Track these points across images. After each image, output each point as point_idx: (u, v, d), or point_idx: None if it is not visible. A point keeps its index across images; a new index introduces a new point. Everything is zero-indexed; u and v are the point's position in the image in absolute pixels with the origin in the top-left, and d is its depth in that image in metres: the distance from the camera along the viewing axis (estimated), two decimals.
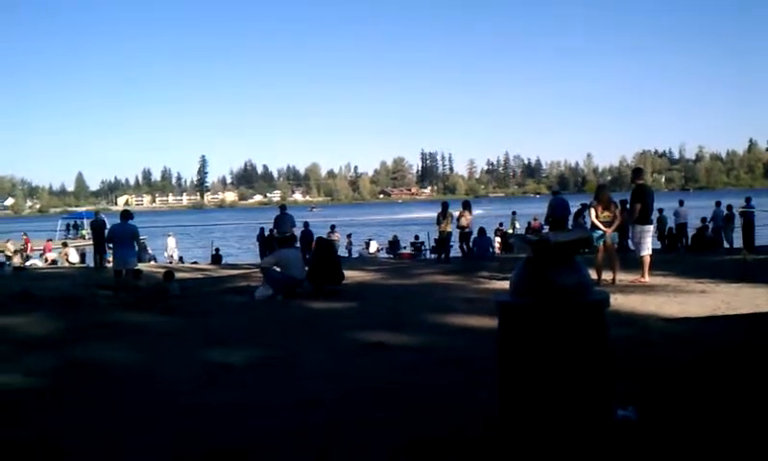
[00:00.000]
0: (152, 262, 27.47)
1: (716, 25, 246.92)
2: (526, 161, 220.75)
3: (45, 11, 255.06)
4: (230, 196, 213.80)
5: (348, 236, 32.81)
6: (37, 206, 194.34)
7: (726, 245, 22.58)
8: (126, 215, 13.65)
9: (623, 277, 11.44)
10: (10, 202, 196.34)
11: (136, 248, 13.99)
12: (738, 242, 21.91)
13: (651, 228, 12.20)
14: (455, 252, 21.15)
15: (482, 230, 20.52)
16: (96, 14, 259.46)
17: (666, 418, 4.12)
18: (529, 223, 28.29)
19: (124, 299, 12.19)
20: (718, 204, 24.31)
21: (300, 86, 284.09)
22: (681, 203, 24.74)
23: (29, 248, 33.97)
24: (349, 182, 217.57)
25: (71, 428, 4.83)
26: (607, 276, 11.33)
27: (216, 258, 29.88)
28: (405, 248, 30.78)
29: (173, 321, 9.84)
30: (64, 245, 32.62)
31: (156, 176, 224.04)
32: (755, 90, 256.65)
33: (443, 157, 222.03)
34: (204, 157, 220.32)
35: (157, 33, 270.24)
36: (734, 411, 4.19)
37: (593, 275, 10.11)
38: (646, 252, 11.55)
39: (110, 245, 13.87)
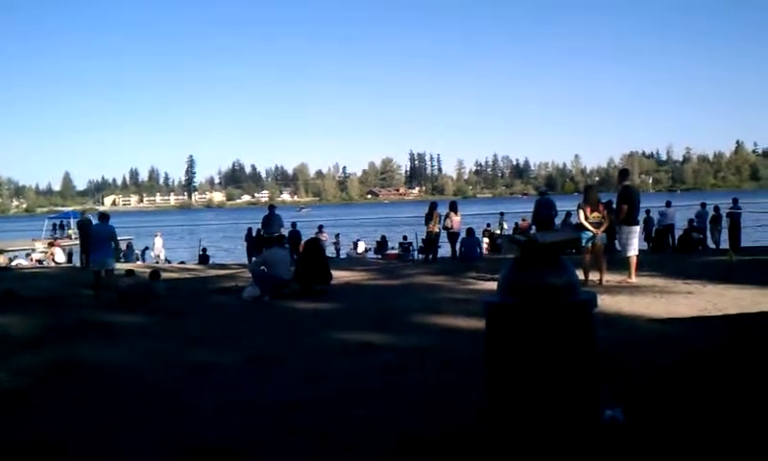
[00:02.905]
0: (138, 262, 27.36)
1: (704, 26, 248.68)
2: (514, 162, 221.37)
3: (35, 10, 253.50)
4: (218, 196, 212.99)
5: (336, 236, 32.78)
6: (24, 206, 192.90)
7: (712, 246, 22.70)
8: (103, 217, 13.81)
9: (610, 277, 11.48)
10: None
11: (113, 247, 13.98)
12: (725, 243, 22.04)
13: (637, 228, 12.27)
14: (445, 252, 21.18)
15: (470, 231, 20.52)
16: (85, 14, 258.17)
17: (653, 418, 4.13)
18: (517, 223, 28.34)
19: (106, 299, 12.15)
20: (703, 205, 24.44)
21: (288, 86, 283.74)
22: (668, 204, 24.83)
23: None
24: (338, 183, 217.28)
25: (59, 428, 4.80)
26: (594, 276, 11.36)
27: (203, 258, 29.77)
28: (393, 248, 30.73)
29: (159, 321, 9.79)
30: (50, 245, 32.41)
31: (144, 176, 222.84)
32: (742, 92, 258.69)
33: (431, 158, 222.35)
34: (191, 156, 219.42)
35: (146, 32, 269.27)
36: (721, 411, 4.21)
37: (581, 275, 10.14)
38: (633, 252, 11.60)
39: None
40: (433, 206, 20.30)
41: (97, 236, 13.64)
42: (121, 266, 17.94)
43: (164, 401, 5.44)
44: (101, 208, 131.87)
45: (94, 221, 21.89)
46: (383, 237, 32.60)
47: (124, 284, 13.03)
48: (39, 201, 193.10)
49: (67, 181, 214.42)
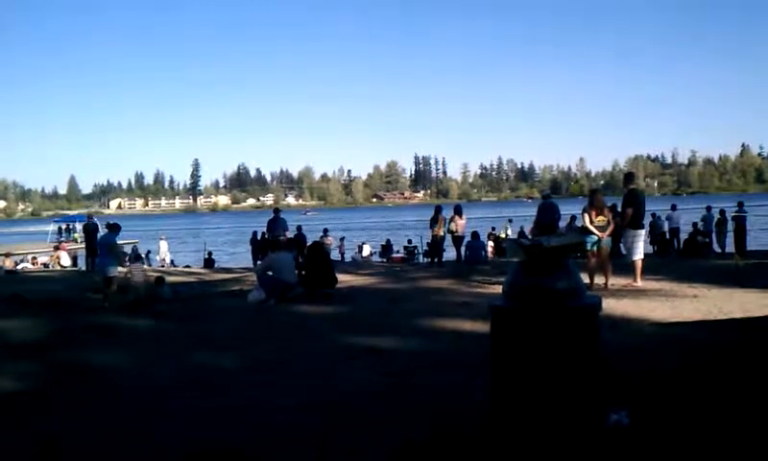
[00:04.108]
0: (144, 266, 27.38)
1: (709, 29, 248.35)
2: (519, 166, 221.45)
3: (37, 12, 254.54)
4: (223, 200, 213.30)
5: (341, 240, 32.80)
6: (30, 209, 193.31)
7: (718, 249, 22.64)
8: (110, 227, 14.17)
9: (615, 281, 11.45)
10: (2, 205, 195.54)
11: (114, 256, 14.14)
12: (730, 247, 21.98)
13: (642, 232, 12.21)
14: (450, 256, 21.17)
15: (475, 234, 20.51)
16: (88, 17, 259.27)
17: (658, 422, 4.12)
18: (522, 226, 28.29)
19: (111, 303, 12.22)
20: (709, 208, 24.39)
21: (293, 90, 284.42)
22: (673, 207, 24.78)
23: None
24: (343, 186, 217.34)
25: (66, 431, 4.81)
26: (599, 280, 11.33)
27: (209, 262, 29.82)
28: (398, 251, 30.75)
29: (165, 325, 9.81)
30: (56, 248, 32.45)
31: (149, 179, 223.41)
32: (747, 95, 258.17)
33: (436, 162, 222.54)
34: (197, 160, 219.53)
35: (150, 35, 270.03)
36: (727, 415, 4.20)
37: (586, 279, 10.12)
38: (638, 256, 11.56)
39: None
40: (438, 209, 20.28)
41: (99, 245, 15.03)
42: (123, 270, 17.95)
43: (170, 404, 5.45)
44: (106, 212, 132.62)
45: (101, 225, 22.27)
46: (388, 241, 32.64)
47: (115, 291, 13.15)
48: (45, 204, 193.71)
49: (73, 184, 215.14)
